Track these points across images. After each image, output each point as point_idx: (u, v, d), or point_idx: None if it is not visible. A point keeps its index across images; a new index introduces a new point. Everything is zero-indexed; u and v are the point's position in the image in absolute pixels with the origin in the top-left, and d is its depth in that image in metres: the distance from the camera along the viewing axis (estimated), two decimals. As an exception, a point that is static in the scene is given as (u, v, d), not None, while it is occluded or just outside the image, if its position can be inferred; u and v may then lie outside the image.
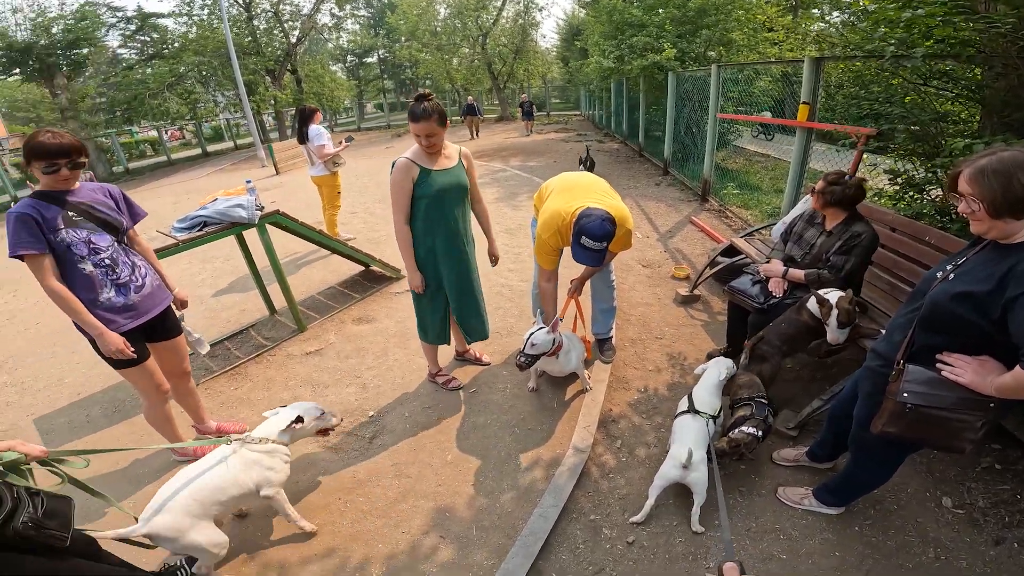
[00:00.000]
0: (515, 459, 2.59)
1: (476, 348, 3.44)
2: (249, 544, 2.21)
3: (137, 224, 2.38)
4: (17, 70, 16.57)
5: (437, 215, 2.56)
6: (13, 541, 1.35)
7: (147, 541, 1.82)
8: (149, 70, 19.58)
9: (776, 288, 2.70)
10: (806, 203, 3.12)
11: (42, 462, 1.64)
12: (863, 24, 2.79)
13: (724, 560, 1.31)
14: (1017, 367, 1.27)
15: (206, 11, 20.45)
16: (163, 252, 2.95)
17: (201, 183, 13.95)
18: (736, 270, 3.43)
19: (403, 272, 4.78)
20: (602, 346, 3.35)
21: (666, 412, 2.80)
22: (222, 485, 1.95)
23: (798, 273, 2.61)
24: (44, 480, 1.62)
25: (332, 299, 4.57)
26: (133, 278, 2.23)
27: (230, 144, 25.45)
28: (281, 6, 22.13)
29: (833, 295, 2.34)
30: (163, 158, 22.56)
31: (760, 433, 2.18)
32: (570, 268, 3.41)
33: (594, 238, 2.33)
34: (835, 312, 2.30)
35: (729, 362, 2.54)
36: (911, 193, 3.35)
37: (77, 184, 2.12)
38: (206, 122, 24.97)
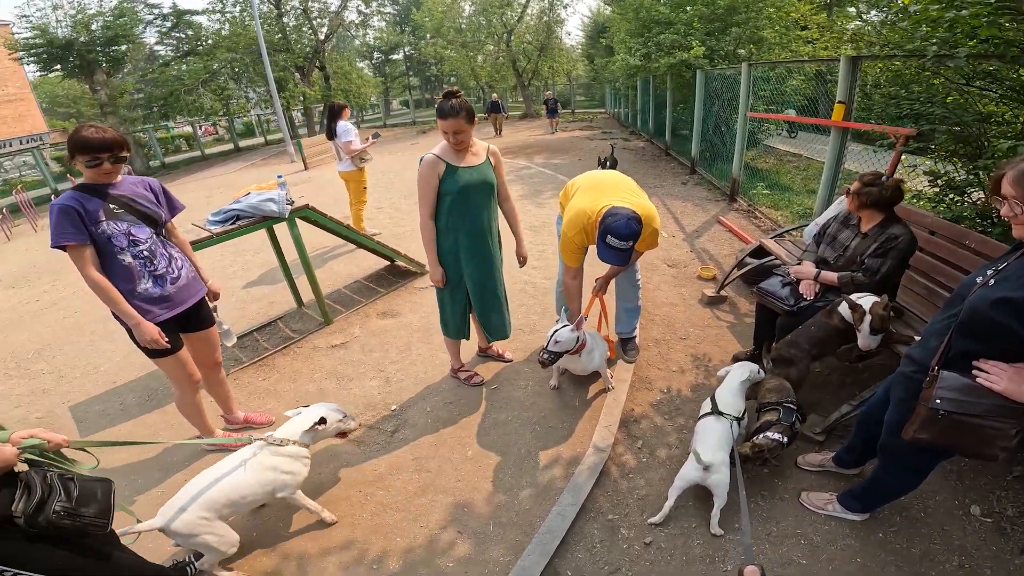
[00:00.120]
0: (535, 456, 2.60)
1: (499, 345, 3.45)
2: (269, 536, 2.25)
3: (175, 217, 2.45)
4: (58, 66, 17.12)
5: (462, 211, 2.57)
6: (48, 531, 1.31)
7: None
8: (184, 67, 20.09)
9: (807, 290, 2.64)
10: (840, 204, 3.05)
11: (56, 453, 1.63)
12: (904, 23, 2.70)
13: (745, 563, 1.29)
14: None
15: (238, 8, 20.90)
16: (198, 244, 3.04)
17: (232, 178, 14.30)
18: (765, 272, 3.37)
19: (427, 267, 4.85)
20: (625, 345, 3.33)
21: (689, 413, 2.77)
22: (239, 489, 1.99)
23: (831, 276, 2.55)
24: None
25: (357, 293, 4.64)
26: (170, 270, 2.30)
27: (261, 140, 26.06)
28: (310, 3, 22.48)
29: (867, 300, 2.28)
30: (197, 153, 23.22)
31: (785, 439, 2.14)
32: (595, 266, 3.39)
33: (620, 237, 2.31)
34: (868, 318, 2.24)
35: (753, 365, 2.50)
36: (951, 195, 3.24)
37: (119, 177, 2.18)
38: (238, 118, 25.55)
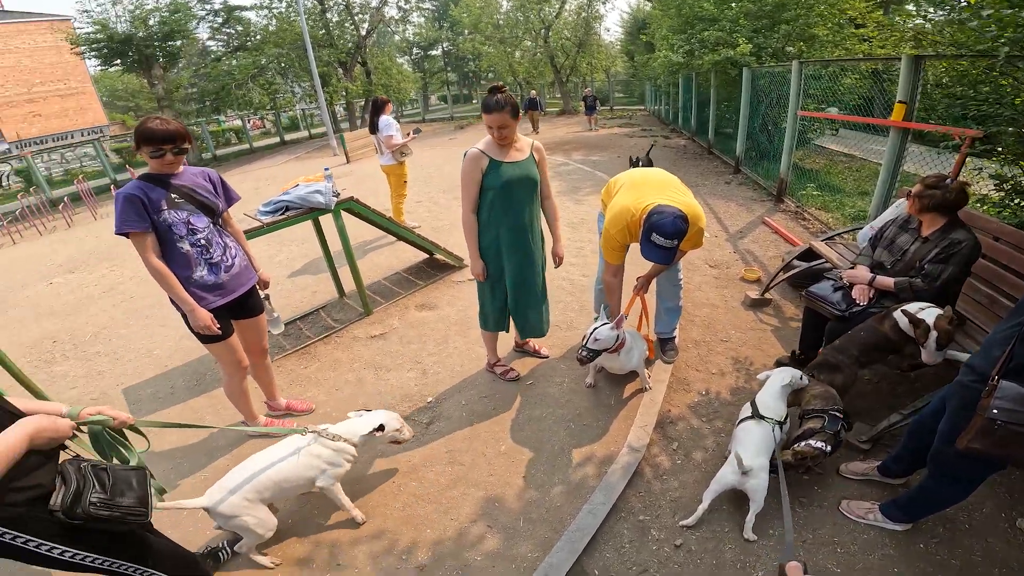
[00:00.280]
0: (568, 454, 2.60)
1: (535, 341, 3.46)
2: (301, 524, 2.31)
3: (231, 207, 2.54)
4: (118, 60, 17.90)
5: (504, 207, 2.59)
6: (87, 523, 1.32)
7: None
8: (234, 62, 20.76)
9: (860, 296, 2.54)
10: (899, 207, 2.92)
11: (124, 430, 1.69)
12: (973, 23, 2.57)
13: (785, 559, 1.27)
14: None
15: (284, 3, 21.48)
16: (250, 233, 3.16)
17: (278, 170, 14.76)
18: (814, 275, 3.26)
19: (466, 261, 4.90)
20: (664, 346, 3.29)
21: (727, 417, 2.72)
22: (286, 477, 2.06)
23: (887, 281, 2.45)
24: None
25: (397, 285, 4.73)
26: (224, 258, 2.38)
27: (305, 133, 26.73)
28: (351, -1, 22.91)
29: (930, 313, 2.17)
30: (246, 146, 23.99)
31: (828, 448, 2.09)
32: (636, 265, 3.36)
33: (666, 236, 2.28)
34: (934, 334, 2.13)
35: (796, 371, 2.43)
36: (1018, 200, 3.07)
37: (181, 168, 2.28)
38: (284, 112, 26.30)
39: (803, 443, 2.12)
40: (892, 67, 4.57)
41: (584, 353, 2.63)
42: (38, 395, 2.78)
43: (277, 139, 24.89)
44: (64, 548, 1.31)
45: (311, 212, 3.50)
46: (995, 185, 3.16)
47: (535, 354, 3.42)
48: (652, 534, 2.14)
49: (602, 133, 15.29)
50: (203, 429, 2.96)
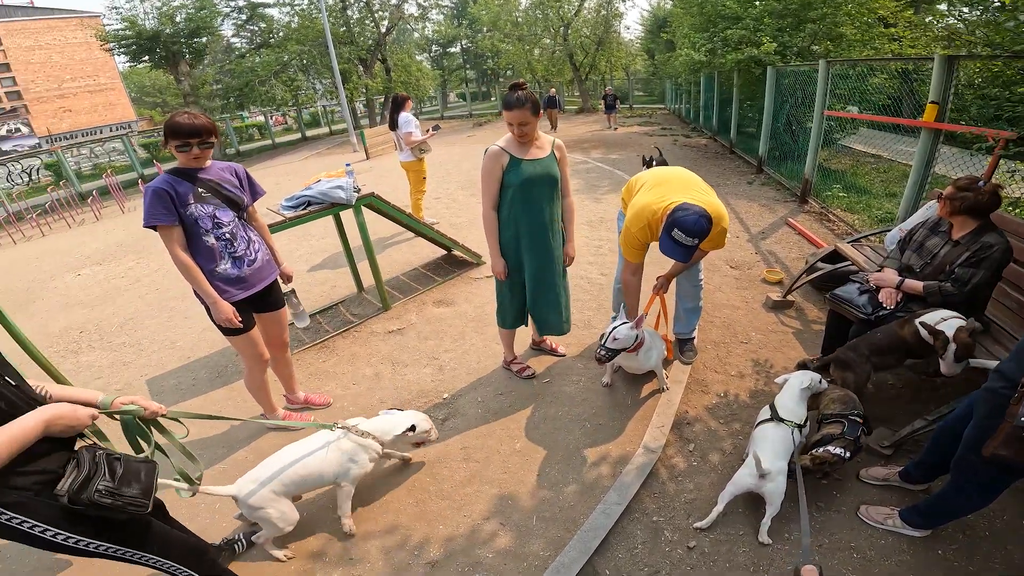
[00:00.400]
0: (583, 453, 2.58)
1: (552, 339, 3.45)
2: (314, 517, 2.33)
3: (256, 202, 2.57)
4: (146, 57, 18.33)
5: (524, 204, 2.58)
6: (89, 509, 1.34)
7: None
8: (258, 58, 21.12)
9: (887, 299, 2.48)
10: (929, 210, 2.85)
11: (153, 422, 1.73)
12: (1010, 23, 2.49)
13: (802, 563, 1.25)
14: None
15: (306, 1, 21.76)
16: (273, 228, 3.19)
17: (299, 165, 14.97)
18: (839, 277, 3.19)
19: (484, 258, 4.91)
20: (683, 346, 3.25)
21: (746, 419, 2.69)
22: (313, 471, 2.08)
23: (916, 284, 2.39)
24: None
25: (415, 280, 4.76)
26: (248, 252, 2.42)
27: (325, 130, 27.08)
28: (372, -3, 23.10)
29: (949, 325, 2.12)
30: (268, 141, 24.41)
31: (847, 454, 2.06)
32: (656, 265, 3.33)
33: (688, 233, 2.25)
34: (953, 347, 2.09)
35: (815, 374, 2.40)
36: (1054, 204, 2.96)
37: (208, 163, 2.31)
38: (305, 108, 26.64)
39: (822, 448, 2.09)
40: (923, 67, 4.45)
41: (602, 352, 2.62)
42: (63, 384, 2.85)
43: (299, 135, 25.24)
44: (68, 534, 1.34)
45: (332, 207, 3.54)
46: (1030, 188, 3.06)
47: (552, 352, 3.42)
48: (665, 535, 2.13)
49: (621, 132, 15.18)
50: (224, 421, 3.00)
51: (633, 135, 14.24)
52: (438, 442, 2.68)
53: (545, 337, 3.41)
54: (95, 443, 1.51)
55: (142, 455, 1.61)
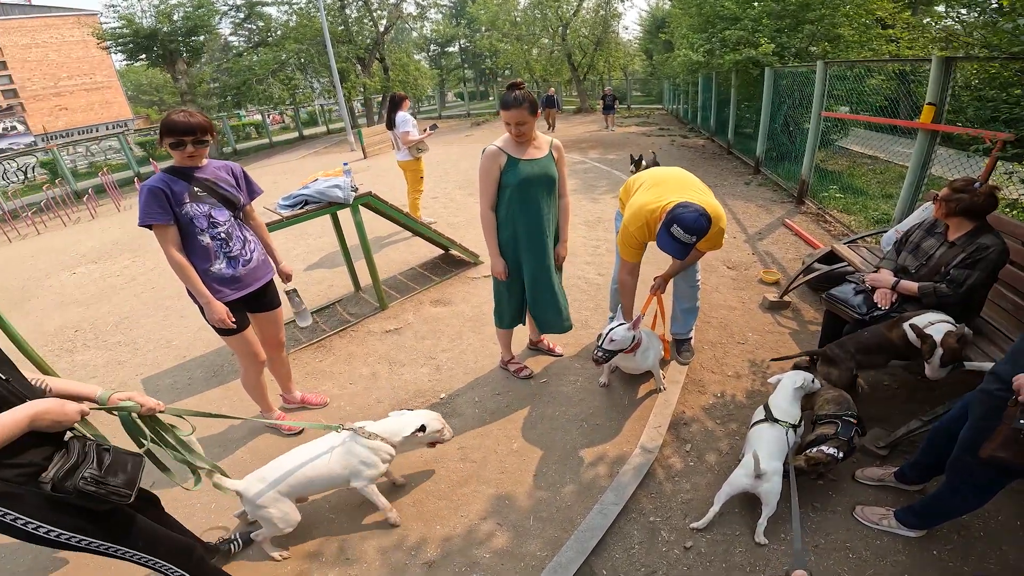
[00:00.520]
0: (580, 453, 2.59)
1: (549, 339, 3.45)
2: (311, 517, 2.32)
3: (253, 200, 2.56)
4: (143, 55, 18.26)
5: (521, 204, 2.58)
6: (71, 497, 1.35)
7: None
8: (255, 57, 21.06)
9: (882, 300, 2.49)
10: (925, 211, 2.86)
11: (151, 418, 1.74)
12: (1009, 25, 2.50)
13: (794, 567, 1.25)
14: None
15: (304, 0, 21.72)
16: (269, 227, 3.18)
17: (296, 164, 14.93)
18: (835, 278, 3.20)
19: (481, 258, 4.91)
20: (680, 347, 3.26)
21: (742, 419, 2.69)
22: (321, 474, 2.07)
23: (911, 285, 2.40)
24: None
25: (412, 280, 4.75)
26: (243, 252, 2.40)
27: (323, 128, 27.02)
28: (370, -5, 23.05)
29: (938, 329, 2.13)
30: (265, 140, 24.35)
31: (841, 454, 2.06)
32: (654, 265, 3.33)
33: (687, 230, 2.26)
34: (939, 351, 2.10)
35: (807, 374, 2.41)
36: (1051, 205, 2.98)
37: (204, 161, 2.30)
38: (303, 107, 26.60)
39: (816, 449, 2.09)
40: (920, 69, 4.47)
41: (600, 353, 2.62)
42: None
43: (296, 134, 25.18)
44: (49, 527, 1.34)
45: (330, 206, 3.53)
46: (1026, 190, 3.07)
47: (549, 352, 3.42)
48: (662, 535, 2.13)
49: (619, 132, 15.19)
50: (222, 421, 2.99)
51: (631, 135, 14.25)
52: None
53: (543, 337, 3.41)
54: (86, 435, 1.52)
55: (142, 449, 1.62)
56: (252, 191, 2.53)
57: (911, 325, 2.20)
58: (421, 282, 4.67)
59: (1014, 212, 3.34)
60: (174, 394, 3.43)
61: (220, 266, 2.33)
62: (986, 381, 1.63)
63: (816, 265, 3.69)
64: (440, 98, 35.28)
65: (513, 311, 2.93)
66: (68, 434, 1.48)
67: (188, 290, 2.28)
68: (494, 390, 3.13)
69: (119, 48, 18.09)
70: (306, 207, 3.43)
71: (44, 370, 2.76)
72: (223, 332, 2.42)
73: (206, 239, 2.27)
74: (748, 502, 2.16)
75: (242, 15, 21.63)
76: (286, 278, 2.73)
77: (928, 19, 8.27)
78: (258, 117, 26.69)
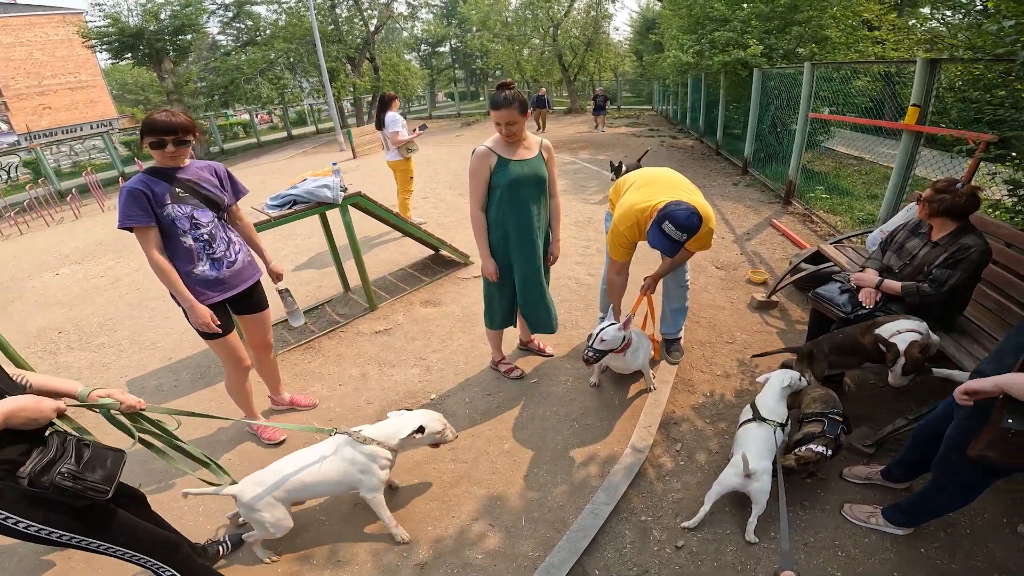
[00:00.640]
0: (571, 453, 2.59)
1: (540, 339, 3.45)
2: (302, 518, 2.30)
3: (239, 200, 2.52)
4: (129, 54, 18.00)
5: (512, 205, 2.57)
6: (49, 492, 1.34)
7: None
8: (244, 56, 20.84)
9: (867, 299, 2.52)
10: (910, 211, 2.90)
11: (134, 417, 1.73)
12: (993, 27, 2.54)
13: (781, 569, 1.26)
14: None
15: (294, -1, 21.57)
16: (256, 227, 3.14)
17: (285, 164, 14.82)
18: (822, 278, 3.24)
19: (472, 258, 4.90)
20: (670, 346, 3.27)
21: (731, 419, 2.71)
22: (318, 480, 2.04)
23: (894, 285, 2.43)
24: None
25: (402, 280, 4.73)
26: (227, 253, 2.36)
27: (312, 128, 26.82)
28: (361, -7, 22.93)
29: (903, 338, 2.17)
30: (253, 140, 24.11)
31: (829, 452, 2.08)
32: (643, 265, 3.35)
33: (678, 227, 2.27)
34: (902, 360, 2.14)
35: (794, 372, 2.43)
36: (1032, 206, 3.03)
37: (186, 162, 2.26)
38: (292, 107, 26.39)
39: (804, 447, 2.11)
40: (905, 70, 4.52)
41: (590, 353, 2.62)
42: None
43: (284, 134, 24.98)
44: (28, 522, 1.34)
45: (318, 206, 3.51)
46: (1009, 190, 3.11)
47: (539, 352, 3.42)
48: (654, 535, 2.14)
49: (609, 133, 15.24)
50: (209, 423, 2.95)
51: (621, 136, 14.31)
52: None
53: (533, 337, 3.41)
54: (66, 430, 1.52)
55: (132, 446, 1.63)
56: (237, 191, 2.49)
57: (876, 334, 2.24)
58: (411, 283, 4.65)
59: (997, 212, 3.39)
60: (160, 396, 3.39)
61: (203, 268, 2.28)
62: (970, 380, 1.64)
63: (803, 265, 3.73)
64: (430, 98, 35.13)
65: (504, 312, 2.92)
66: (49, 429, 1.47)
67: (171, 293, 2.24)
68: (485, 390, 3.12)
69: (104, 47, 17.83)
70: (294, 207, 3.40)
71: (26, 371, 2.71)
72: (207, 336, 2.38)
73: (189, 241, 2.22)
74: (738, 501, 2.17)
75: (231, 14, 21.41)
76: (276, 278, 2.69)
77: (913, 21, 8.38)
78: (246, 116, 26.44)
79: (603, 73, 26.59)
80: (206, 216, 2.27)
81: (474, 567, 2.05)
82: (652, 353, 2.98)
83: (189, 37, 18.90)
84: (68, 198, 11.42)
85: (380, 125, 5.89)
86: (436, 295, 4.43)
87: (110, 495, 1.45)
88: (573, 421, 2.81)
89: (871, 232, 3.44)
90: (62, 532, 1.41)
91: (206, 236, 2.27)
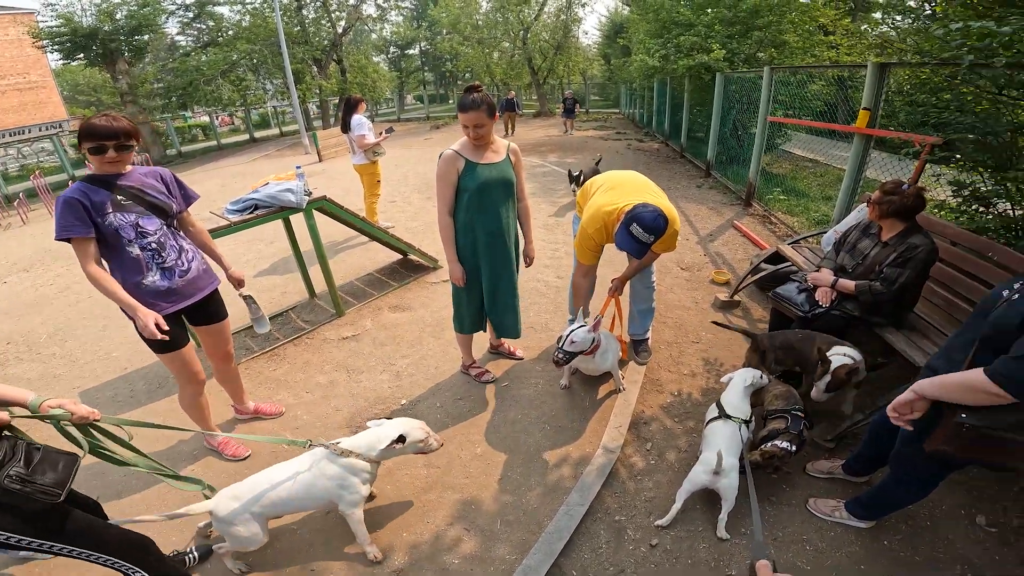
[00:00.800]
0: (544, 456, 2.60)
1: (510, 343, 3.45)
2: (274, 527, 2.24)
3: (191, 206, 2.43)
4: (81, 55, 17.26)
5: (480, 209, 2.57)
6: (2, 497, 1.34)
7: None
8: (204, 57, 20.22)
9: (823, 298, 2.61)
10: (861, 212, 3.01)
11: (84, 428, 1.67)
12: (940, 31, 2.63)
13: (756, 559, 1.28)
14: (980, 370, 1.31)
15: (259, 0, 21.04)
16: (215, 232, 3.07)
17: (247, 167, 14.42)
18: (780, 278, 3.34)
19: (440, 262, 4.86)
20: (638, 347, 3.31)
21: (699, 417, 2.76)
22: (294, 496, 1.97)
23: (848, 284, 2.53)
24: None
25: (370, 286, 4.66)
26: (179, 262, 2.26)
27: (276, 131, 26.21)
28: (329, -4, 22.57)
29: (838, 360, 2.30)
30: (213, 143, 23.41)
31: (794, 448, 2.14)
32: (611, 267, 3.38)
33: (646, 229, 2.31)
34: (827, 378, 2.27)
35: (756, 371, 2.50)
36: (975, 206, 3.17)
37: (128, 168, 2.14)
38: (254, 109, 25.74)
39: (770, 443, 2.16)
40: (857, 74, 4.69)
41: (560, 355, 2.63)
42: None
43: (246, 136, 24.33)
44: None
45: (281, 211, 3.42)
46: (953, 191, 3.26)
47: (510, 356, 3.42)
48: (628, 534, 2.16)
49: (577, 136, 15.40)
50: (169, 435, 2.85)
51: (589, 139, 14.47)
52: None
53: (503, 341, 3.40)
54: (16, 434, 1.49)
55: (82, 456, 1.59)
56: (187, 196, 2.39)
57: (819, 349, 2.38)
58: (379, 288, 4.59)
59: (942, 212, 3.55)
60: (116, 407, 3.25)
61: (154, 278, 2.18)
62: (922, 375, 1.67)
63: (763, 265, 3.84)
64: (399, 101, 34.75)
65: (473, 316, 2.91)
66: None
67: (120, 306, 2.12)
68: (456, 395, 3.10)
69: (55, 47, 17.05)
70: (256, 212, 3.31)
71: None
72: (159, 349, 2.27)
73: (135, 250, 2.12)
74: (708, 498, 2.21)
75: (191, 14, 20.75)
76: (238, 284, 2.60)
77: (866, 26, 8.68)
78: (205, 119, 25.66)
79: (572, 76, 26.82)
80: (153, 224, 2.16)
81: (451, 572, 2.04)
82: (620, 354, 3.02)
83: (146, 37, 18.24)
84: (15, 203, 10.86)
85: (346, 128, 5.80)
86: (405, 300, 4.38)
87: (62, 498, 1.44)
88: (545, 423, 2.81)
89: (826, 232, 3.57)
90: (20, 536, 1.38)
91: (154, 245, 2.17)
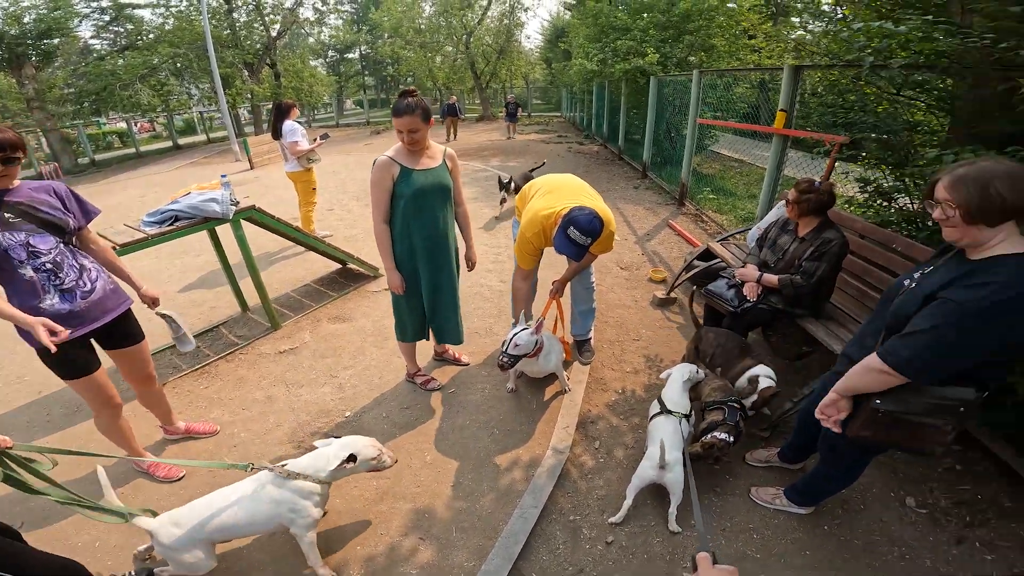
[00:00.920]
0: (494, 460, 2.59)
1: (455, 349, 3.41)
2: (222, 552, 2.13)
3: (96, 220, 2.24)
4: (-16, 59, 15.82)
5: (416, 215, 2.53)
6: None
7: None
8: (121, 61, 18.92)
9: (750, 293, 2.75)
10: (780, 209, 3.19)
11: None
12: (845, 34, 2.81)
13: (699, 551, 1.32)
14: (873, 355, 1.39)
15: (184, 2, 19.94)
16: (131, 247, 2.86)
17: (170, 176, 13.59)
18: (712, 274, 3.49)
19: (381, 271, 4.75)
20: (581, 347, 3.37)
21: (643, 413, 2.82)
22: (241, 520, 1.86)
23: (772, 278, 2.67)
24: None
25: (307, 297, 4.49)
26: (80, 283, 2.09)
27: (203, 137, 24.84)
28: (263, -1, 21.71)
29: (764, 381, 2.45)
30: (131, 150, 21.86)
31: (732, 438, 2.22)
32: (552, 270, 3.42)
33: (583, 232, 2.35)
34: (754, 397, 2.43)
35: (692, 366, 2.59)
36: (880, 201, 3.42)
37: (16, 183, 1.96)
38: (178, 114, 24.31)
39: (709, 435, 2.23)
40: (777, 77, 4.97)
41: (505, 359, 2.63)
42: None
43: (169, 143, 22.93)
44: None
45: (206, 222, 3.23)
46: (860, 188, 3.50)
47: (455, 362, 3.38)
48: (584, 533, 2.18)
49: (519, 139, 15.53)
50: (91, 460, 2.60)
51: (531, 142, 14.62)
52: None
53: (447, 347, 3.37)
54: None
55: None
56: (86, 212, 2.19)
57: (747, 366, 2.54)
58: (317, 299, 4.43)
59: (851, 208, 3.81)
60: (32, 433, 2.99)
61: (53, 301, 2.00)
62: (838, 363, 1.78)
63: (695, 262, 3.98)
64: (338, 106, 33.78)
65: (415, 324, 2.86)
66: None
67: (17, 331, 1.93)
68: (402, 404, 3.04)
69: (-47, 51, 15.45)
70: (176, 224, 3.11)
71: None
72: (67, 376, 2.10)
73: (28, 272, 1.93)
74: (658, 493, 2.25)
75: (108, 17, 19.36)
76: (152, 303, 2.43)
77: (785, 30, 9.20)
78: (123, 125, 23.97)
79: (514, 80, 27.01)
80: (47, 243, 1.98)
81: (411, 583, 1.99)
82: (564, 355, 3.05)
83: (56, 41, 16.86)
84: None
85: (277, 135, 5.57)
86: (345, 310, 4.25)
87: None
88: (493, 427, 2.80)
89: (751, 229, 3.76)
90: None
91: (49, 265, 1.98)
